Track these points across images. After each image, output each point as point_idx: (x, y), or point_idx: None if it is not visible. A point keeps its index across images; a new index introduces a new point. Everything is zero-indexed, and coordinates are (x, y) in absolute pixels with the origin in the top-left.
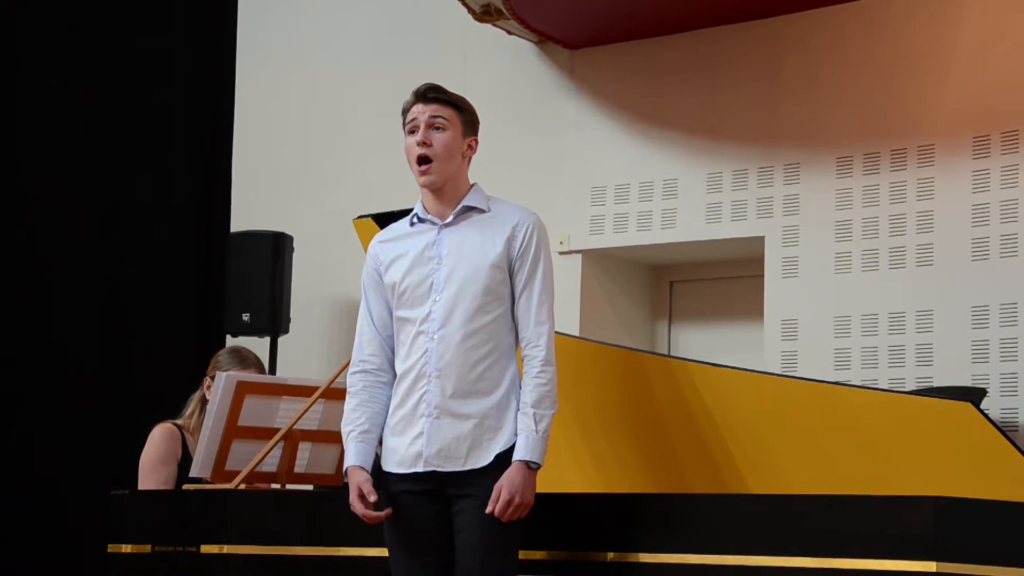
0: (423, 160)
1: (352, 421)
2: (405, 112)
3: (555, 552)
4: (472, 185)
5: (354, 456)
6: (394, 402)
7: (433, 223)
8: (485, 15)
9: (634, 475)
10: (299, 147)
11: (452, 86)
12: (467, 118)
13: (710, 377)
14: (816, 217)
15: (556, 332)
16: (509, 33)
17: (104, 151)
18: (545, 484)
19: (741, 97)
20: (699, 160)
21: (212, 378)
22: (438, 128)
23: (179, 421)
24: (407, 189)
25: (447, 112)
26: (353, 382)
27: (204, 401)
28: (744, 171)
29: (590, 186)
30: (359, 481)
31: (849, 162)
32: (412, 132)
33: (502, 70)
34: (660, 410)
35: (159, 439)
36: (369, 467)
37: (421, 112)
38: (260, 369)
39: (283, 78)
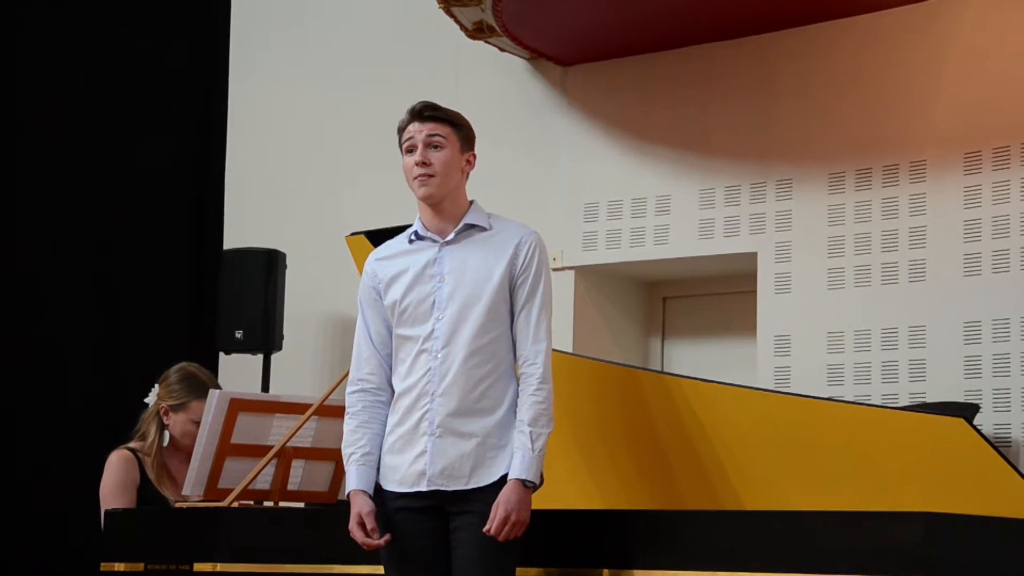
0: (423, 175)
1: (353, 443)
2: (401, 131)
3: (552, 569)
4: (471, 202)
5: (356, 480)
6: (392, 420)
7: (433, 240)
8: (477, 32)
9: (632, 491)
10: (292, 164)
11: (444, 103)
12: (464, 134)
13: (706, 393)
14: (808, 233)
15: (553, 350)
16: (501, 50)
17: (96, 166)
18: (543, 500)
19: (733, 113)
20: (692, 176)
21: (171, 407)
22: (436, 147)
23: (133, 445)
24: (400, 206)
25: (444, 130)
26: (352, 402)
27: (161, 424)
28: (736, 187)
29: (583, 202)
30: (359, 508)
31: (841, 178)
32: (410, 151)
33: (494, 87)
34: (657, 427)
35: (115, 467)
36: (371, 490)
37: (418, 131)
38: (216, 386)
39: (276, 95)
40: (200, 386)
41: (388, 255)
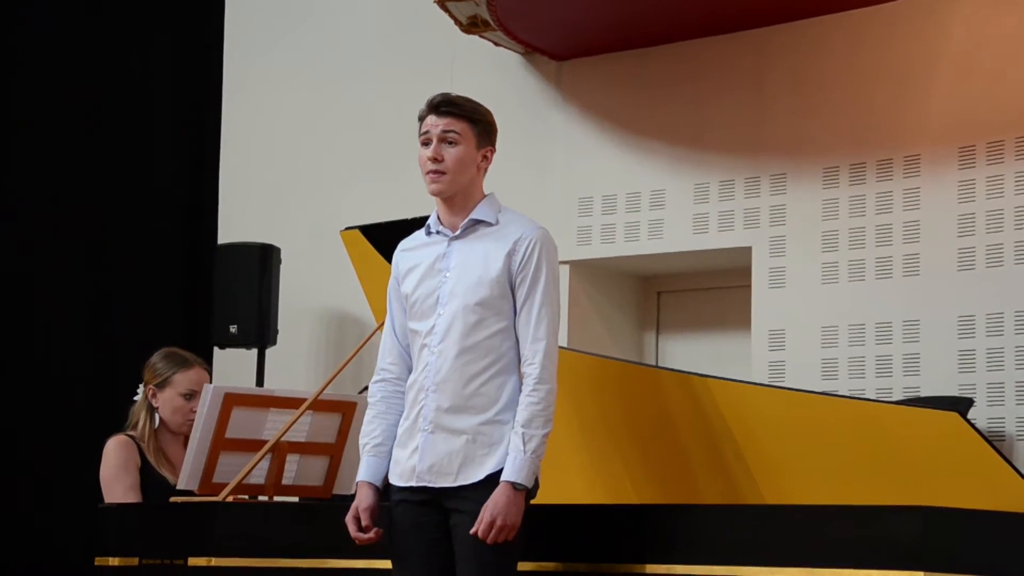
0: (434, 172)
1: (368, 433)
2: (420, 120)
3: (564, 564)
4: (485, 196)
5: (364, 470)
6: (404, 414)
7: (445, 235)
8: (472, 27)
9: (640, 486)
10: (287, 159)
11: None
12: (481, 129)
13: (703, 388)
14: (803, 227)
15: (565, 348)
16: (496, 45)
17: (91, 164)
18: (554, 495)
19: (727, 108)
20: (686, 170)
21: (156, 386)
22: (450, 142)
23: (130, 432)
24: (395, 200)
25: (460, 125)
26: (373, 392)
27: (151, 410)
28: (731, 181)
29: (577, 197)
30: (359, 501)
31: (835, 172)
32: (425, 144)
33: (489, 81)
34: (664, 422)
35: (115, 449)
36: (379, 481)
37: (434, 125)
38: (203, 366)
39: (270, 90)
40: (181, 360)
41: (410, 247)
